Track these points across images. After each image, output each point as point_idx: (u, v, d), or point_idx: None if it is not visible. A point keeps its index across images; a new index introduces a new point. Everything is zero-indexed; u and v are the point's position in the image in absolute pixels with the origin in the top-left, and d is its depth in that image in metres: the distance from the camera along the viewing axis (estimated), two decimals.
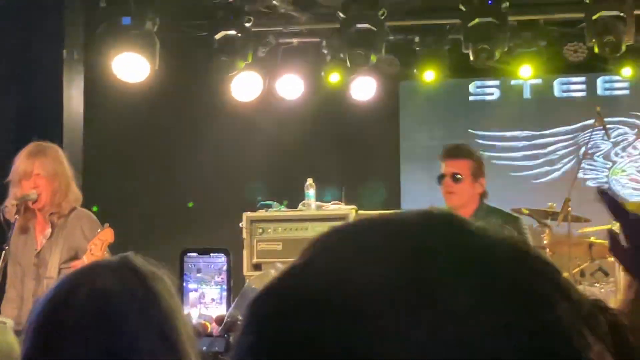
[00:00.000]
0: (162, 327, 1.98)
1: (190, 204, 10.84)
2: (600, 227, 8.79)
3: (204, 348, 4.13)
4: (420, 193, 10.79)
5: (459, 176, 6.75)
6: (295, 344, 0.88)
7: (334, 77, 10.48)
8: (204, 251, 4.99)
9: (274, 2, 8.98)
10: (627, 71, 10.34)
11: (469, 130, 11.38)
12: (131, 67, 9.23)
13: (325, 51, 10.26)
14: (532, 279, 0.90)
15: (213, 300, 4.59)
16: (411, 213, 0.95)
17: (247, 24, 9.45)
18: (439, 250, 0.90)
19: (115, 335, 1.90)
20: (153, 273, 2.03)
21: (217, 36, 9.48)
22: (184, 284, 3.15)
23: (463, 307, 0.86)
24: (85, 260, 5.64)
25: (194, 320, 4.37)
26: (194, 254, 5.25)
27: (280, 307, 0.91)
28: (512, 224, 6.65)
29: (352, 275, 0.89)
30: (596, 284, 8.75)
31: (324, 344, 0.87)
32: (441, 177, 6.79)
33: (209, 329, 4.43)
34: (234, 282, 4.73)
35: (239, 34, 9.45)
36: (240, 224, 8.57)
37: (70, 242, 5.83)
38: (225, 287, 4.59)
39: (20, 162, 5.82)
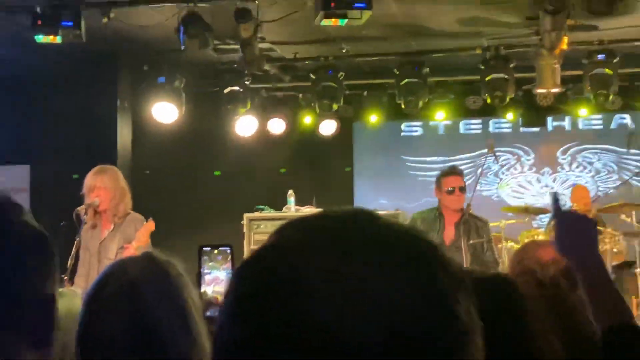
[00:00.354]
0: (177, 302, 1.88)
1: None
2: (493, 223, 8.85)
3: (216, 314, 4.16)
4: (368, 200, 10.87)
5: (464, 187, 6.81)
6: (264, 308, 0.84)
7: (307, 120, 10.54)
8: (215, 246, 5.09)
9: (266, 67, 9.03)
10: (509, 115, 10.44)
11: (402, 156, 11.31)
12: (165, 112, 9.27)
13: (302, 101, 10.31)
14: (423, 260, 0.86)
15: (222, 280, 4.66)
16: (346, 211, 0.92)
17: (247, 82, 9.52)
18: (356, 235, 0.86)
19: (140, 312, 1.82)
20: (168, 263, 1.94)
21: (225, 91, 9.55)
22: (201, 270, 3.20)
23: (371, 277, 0.82)
24: (134, 244, 5.75)
25: (210, 293, 4.40)
26: (208, 248, 5.36)
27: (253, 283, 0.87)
28: (483, 224, 6.82)
29: (296, 256, 0.85)
30: None
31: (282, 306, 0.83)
32: (452, 190, 6.71)
33: (220, 300, 4.46)
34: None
35: (241, 89, 9.52)
36: (242, 222, 8.62)
37: (126, 235, 5.87)
38: (230, 270, 4.66)
39: (88, 179, 5.88)
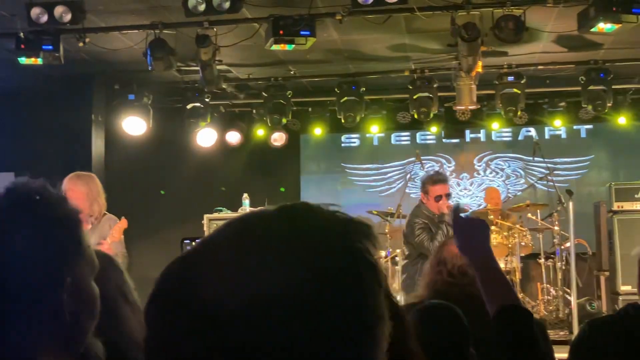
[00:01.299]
0: (122, 287, 1.78)
1: (162, 192, 10.75)
2: None
3: None
4: (313, 201, 10.86)
5: (450, 194, 6.72)
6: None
7: (260, 132, 10.53)
8: (194, 239, 5.14)
9: (223, 86, 9.00)
10: (433, 129, 10.56)
11: (342, 164, 11.32)
12: (134, 125, 9.20)
13: (255, 116, 10.30)
14: (332, 254, 0.79)
15: None
16: (278, 207, 0.85)
17: (207, 99, 9.49)
18: (266, 229, 0.80)
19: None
20: (112, 259, 1.83)
21: (188, 106, 9.48)
22: None
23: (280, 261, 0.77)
24: (108, 240, 5.69)
25: None
26: (188, 241, 5.41)
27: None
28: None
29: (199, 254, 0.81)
30: None
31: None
32: (440, 197, 6.51)
33: None
34: None
35: (202, 105, 9.47)
36: (202, 222, 8.57)
37: (102, 233, 5.80)
38: None
39: (64, 183, 5.80)
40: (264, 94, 9.35)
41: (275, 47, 6.82)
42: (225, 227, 0.84)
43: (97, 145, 9.47)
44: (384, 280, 0.83)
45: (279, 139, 10.49)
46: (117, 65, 8.73)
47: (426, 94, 9.01)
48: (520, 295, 8.31)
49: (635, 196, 7.96)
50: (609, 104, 8.81)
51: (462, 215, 2.24)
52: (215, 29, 7.13)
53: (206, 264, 0.79)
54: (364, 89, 9.27)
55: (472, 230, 2.17)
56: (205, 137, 10.05)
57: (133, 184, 10.36)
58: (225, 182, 10.54)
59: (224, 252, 0.79)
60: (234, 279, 0.76)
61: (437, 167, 11.11)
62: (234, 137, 10.41)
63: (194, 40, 7.11)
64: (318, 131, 10.52)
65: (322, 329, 0.75)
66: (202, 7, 6.36)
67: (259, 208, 0.88)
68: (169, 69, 7.54)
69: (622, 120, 9.98)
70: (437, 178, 6.82)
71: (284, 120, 9.47)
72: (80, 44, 7.11)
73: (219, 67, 7.92)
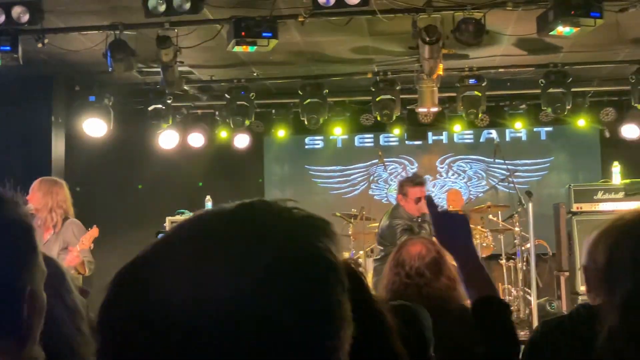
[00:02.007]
0: (59, 290, 1.68)
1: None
2: None
3: None
4: None
5: None
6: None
7: (223, 134, 10.48)
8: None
9: (185, 87, 8.93)
10: (396, 131, 10.61)
11: (305, 166, 11.35)
12: (95, 127, 9.09)
13: (218, 118, 10.25)
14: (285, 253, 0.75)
15: None
16: (236, 205, 0.82)
17: (169, 101, 9.41)
18: (223, 228, 0.77)
19: None
20: (52, 260, 1.72)
21: (150, 108, 9.40)
22: None
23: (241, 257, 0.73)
24: (78, 247, 5.63)
25: None
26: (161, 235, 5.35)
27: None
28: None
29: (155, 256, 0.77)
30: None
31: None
32: (419, 199, 6.48)
33: None
34: None
35: (163, 107, 9.39)
36: (165, 224, 8.50)
37: (65, 238, 5.74)
38: None
39: (31, 190, 5.74)
40: (226, 95, 9.29)
41: (237, 48, 6.78)
42: (181, 227, 0.80)
43: (57, 147, 9.33)
44: (360, 279, 0.79)
45: (242, 141, 10.46)
46: (78, 67, 8.62)
47: (389, 96, 9.04)
48: None
49: (594, 197, 8.07)
50: (568, 107, 8.93)
51: (440, 209, 2.25)
52: (176, 30, 7.06)
53: (161, 267, 0.75)
54: (327, 91, 9.27)
55: (452, 225, 2.17)
56: (167, 139, 9.98)
57: (94, 187, 10.22)
58: (188, 185, 10.47)
59: (180, 254, 0.75)
60: (191, 284, 0.72)
61: (399, 169, 11.17)
62: (196, 139, 10.34)
63: (155, 41, 7.04)
64: (281, 133, 10.50)
65: (285, 333, 0.72)
66: (162, 8, 6.30)
67: (216, 206, 0.83)
68: (130, 70, 7.45)
69: (581, 122, 10.14)
70: (417, 180, 6.80)
71: (247, 122, 9.43)
72: (39, 45, 7.00)
73: (180, 68, 7.86)
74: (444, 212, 2.26)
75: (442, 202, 10.37)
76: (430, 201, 2.21)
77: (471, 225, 8.32)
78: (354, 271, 1.65)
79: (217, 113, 10.15)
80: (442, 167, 11.21)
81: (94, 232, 5.83)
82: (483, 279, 2.16)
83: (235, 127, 9.69)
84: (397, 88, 9.04)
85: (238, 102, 9.25)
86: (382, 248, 6.84)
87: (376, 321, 1.64)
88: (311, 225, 0.80)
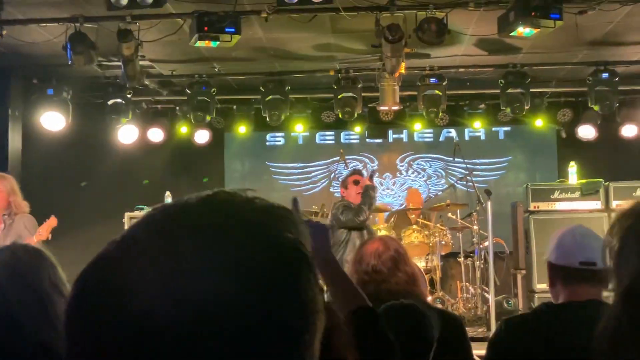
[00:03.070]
0: (54, 281, 1.71)
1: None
2: None
3: None
4: None
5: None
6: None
7: (183, 129, 10.39)
8: None
9: (146, 82, 8.83)
10: (357, 128, 10.64)
11: (266, 163, 11.29)
12: (53, 121, 8.94)
13: (178, 113, 10.15)
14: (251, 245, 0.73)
15: None
16: (198, 197, 0.78)
17: (129, 95, 9.29)
18: (188, 221, 0.74)
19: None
20: (24, 249, 1.79)
21: (109, 102, 9.28)
22: None
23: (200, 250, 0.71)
24: (35, 238, 5.57)
25: None
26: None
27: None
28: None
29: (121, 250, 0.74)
30: None
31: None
32: (357, 182, 6.69)
33: None
34: None
35: (123, 101, 9.28)
36: (123, 220, 8.40)
37: (17, 231, 5.67)
38: None
39: None
40: (187, 90, 9.21)
41: (199, 43, 6.72)
42: (145, 221, 0.76)
43: (14, 141, 9.15)
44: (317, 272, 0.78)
45: (202, 137, 10.38)
46: (36, 59, 8.46)
47: (350, 94, 9.07)
48: (440, 293, 8.46)
49: (551, 197, 8.19)
50: (526, 107, 9.06)
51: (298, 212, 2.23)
52: (137, 24, 6.98)
53: (127, 264, 0.72)
54: (289, 87, 9.25)
55: (315, 233, 2.07)
56: (127, 133, 9.87)
57: (51, 181, 10.06)
58: (148, 180, 10.36)
59: (146, 250, 0.72)
60: (160, 280, 0.69)
61: (360, 167, 11.20)
62: (156, 135, 10.24)
63: (115, 34, 6.95)
64: (242, 129, 10.44)
65: (260, 326, 0.70)
66: (124, 1, 6.21)
67: (179, 199, 0.79)
68: (90, 64, 7.35)
69: (539, 122, 10.29)
70: (351, 171, 7.02)
71: (208, 118, 9.36)
72: None
73: (141, 62, 7.77)
74: (307, 220, 2.27)
75: (402, 200, 10.43)
76: (294, 201, 2.05)
77: (429, 223, 8.39)
78: None
79: (177, 108, 10.05)
80: (402, 165, 11.27)
81: (52, 222, 5.76)
82: (350, 290, 2.19)
83: (195, 123, 9.62)
84: (359, 86, 9.07)
85: (199, 98, 9.18)
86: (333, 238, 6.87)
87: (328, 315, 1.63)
88: (278, 215, 0.78)
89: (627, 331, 1.07)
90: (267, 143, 11.37)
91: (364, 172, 7.26)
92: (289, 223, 0.77)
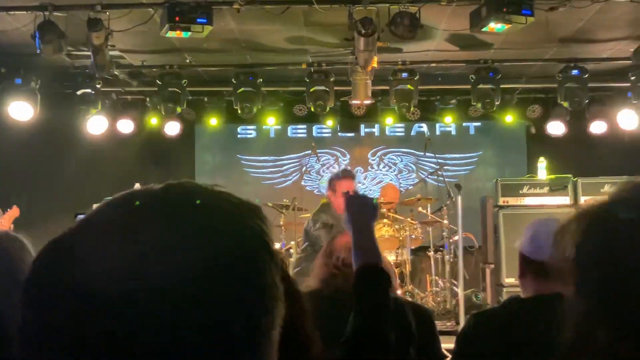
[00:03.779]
0: (11, 266, 1.68)
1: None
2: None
3: None
4: None
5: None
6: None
7: (154, 121, 10.30)
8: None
9: (116, 72, 8.73)
10: (329, 122, 10.64)
11: (237, 156, 11.25)
12: (21, 111, 8.80)
13: (149, 104, 10.06)
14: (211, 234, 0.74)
15: None
16: (161, 187, 0.79)
17: (98, 86, 9.19)
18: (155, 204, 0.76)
19: None
20: (23, 242, 1.77)
21: (78, 92, 9.17)
22: None
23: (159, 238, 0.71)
24: None
25: None
26: (82, 215, 5.20)
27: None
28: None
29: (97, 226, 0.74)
30: None
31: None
32: (348, 193, 6.48)
33: None
34: None
35: (92, 92, 9.17)
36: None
37: None
38: None
39: None
40: (158, 81, 9.13)
41: (170, 34, 6.66)
42: (106, 206, 0.77)
43: None
44: (281, 262, 0.80)
45: (173, 128, 10.30)
46: (4, 48, 8.33)
47: (323, 88, 9.06)
48: (410, 287, 8.49)
49: (520, 192, 8.26)
50: (496, 103, 9.12)
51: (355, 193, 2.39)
52: (108, 13, 6.90)
53: (84, 245, 0.73)
54: (261, 80, 9.21)
55: (362, 204, 2.30)
56: (96, 124, 9.77)
57: (19, 172, 9.91)
58: (117, 172, 10.25)
59: (104, 232, 0.73)
60: (115, 261, 0.70)
61: (332, 160, 11.21)
62: (126, 126, 10.15)
63: (85, 23, 6.85)
64: (214, 121, 10.39)
65: (217, 311, 0.70)
66: None
67: (143, 186, 0.80)
68: (59, 53, 7.24)
69: (509, 118, 10.37)
70: (344, 174, 6.72)
71: (179, 110, 9.29)
72: None
73: (111, 52, 7.67)
74: (358, 193, 2.40)
75: (375, 194, 10.45)
76: (350, 193, 2.35)
77: (400, 217, 8.41)
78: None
79: (147, 99, 9.96)
80: (373, 159, 11.30)
81: (14, 212, 5.67)
82: (372, 248, 2.21)
83: (166, 114, 9.55)
84: (331, 79, 9.06)
85: (170, 89, 9.10)
86: (305, 241, 6.84)
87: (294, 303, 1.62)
88: (243, 205, 0.80)
89: (600, 331, 1.08)
90: (239, 136, 11.33)
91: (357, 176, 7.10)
92: (253, 214, 0.79)
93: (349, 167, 7.22)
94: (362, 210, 2.28)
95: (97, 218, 0.76)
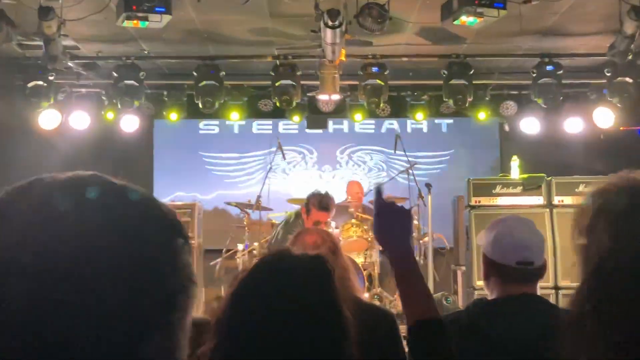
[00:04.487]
0: None
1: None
2: (279, 213, 8.98)
3: None
4: (166, 191, 10.70)
5: (329, 222, 7.09)
6: None
7: (109, 115, 10.19)
8: None
9: (70, 64, 8.63)
10: (296, 118, 10.62)
11: (199, 152, 11.20)
12: None
13: (104, 98, 9.96)
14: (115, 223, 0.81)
15: None
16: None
17: (50, 78, 9.08)
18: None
19: None
20: None
21: (29, 85, 9.05)
22: None
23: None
24: None
25: None
26: None
27: None
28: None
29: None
30: None
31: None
32: (319, 223, 6.72)
33: None
34: None
35: (45, 84, 9.06)
36: None
37: None
38: None
39: None
40: (114, 74, 9.04)
41: (127, 23, 6.60)
42: (21, 185, 0.87)
43: None
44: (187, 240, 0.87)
45: (130, 123, 10.20)
46: None
47: (289, 82, 9.06)
48: (378, 290, 8.53)
49: (493, 192, 8.34)
50: (469, 99, 9.19)
51: (386, 199, 2.05)
52: (60, 1, 6.81)
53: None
54: (224, 73, 9.18)
55: (392, 217, 1.98)
56: (48, 119, 9.64)
57: None
58: (70, 170, 10.11)
59: (16, 208, 0.82)
60: (28, 235, 0.77)
61: (299, 158, 11.20)
62: (79, 120, 10.02)
63: (36, 12, 6.76)
64: (174, 116, 10.32)
65: (131, 287, 0.77)
66: None
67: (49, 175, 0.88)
68: (8, 43, 7.15)
69: (482, 115, 10.45)
70: (324, 205, 6.91)
71: (136, 104, 9.23)
72: None
73: (64, 42, 7.59)
74: (387, 203, 2.02)
75: (341, 193, 10.46)
76: (378, 189, 2.06)
77: (370, 217, 8.44)
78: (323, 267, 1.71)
79: (103, 92, 9.87)
80: (342, 157, 11.33)
81: None
82: (422, 294, 1.95)
83: (122, 109, 9.47)
84: (298, 73, 9.06)
85: (127, 82, 9.03)
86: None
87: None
88: (148, 195, 0.87)
89: (595, 309, 1.10)
90: (200, 132, 11.30)
91: (332, 211, 7.22)
92: (160, 204, 0.87)
93: (332, 196, 7.22)
94: (396, 227, 1.96)
95: (8, 196, 0.85)
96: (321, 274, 1.74)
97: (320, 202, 6.96)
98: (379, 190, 2.06)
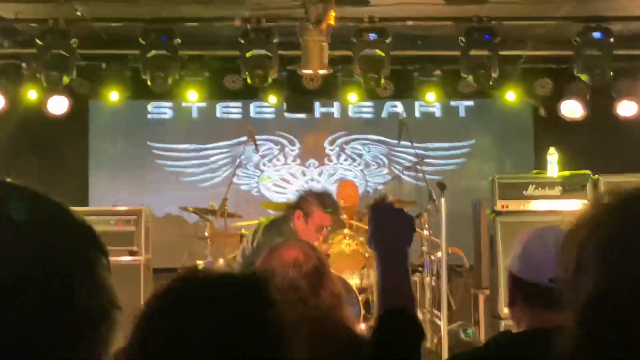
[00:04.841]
0: None
1: None
2: (250, 222, 8.95)
3: None
4: (106, 193, 10.67)
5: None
6: None
7: (32, 95, 10.13)
8: None
9: None
10: (272, 99, 10.58)
11: (148, 142, 11.18)
12: None
13: (25, 72, 9.90)
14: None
15: None
16: None
17: None
18: None
19: None
20: None
21: None
22: None
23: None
24: None
25: None
26: None
27: None
28: None
29: None
30: None
31: None
32: (322, 229, 6.70)
33: None
34: None
35: None
36: None
37: None
38: None
39: None
40: (38, 41, 9.00)
41: None
42: None
43: None
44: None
45: (59, 105, 10.15)
46: None
47: (263, 52, 9.03)
48: None
49: (524, 193, 8.32)
50: (494, 75, 9.17)
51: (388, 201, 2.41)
52: None
53: None
54: (180, 41, 9.14)
55: (394, 222, 2.28)
56: None
57: None
58: None
59: None
60: None
61: (276, 150, 11.17)
62: None
63: None
64: (115, 96, 10.29)
65: (48, 301, 0.91)
66: None
67: None
68: None
69: (511, 96, 10.44)
70: (331, 205, 6.82)
71: (66, 80, 9.18)
72: None
73: None
74: (390, 205, 2.39)
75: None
76: (382, 198, 2.47)
77: (366, 226, 8.42)
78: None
79: (24, 65, 9.81)
80: (331, 150, 11.33)
81: None
82: (403, 291, 2.22)
83: (49, 86, 9.41)
84: (275, 41, 9.04)
85: (54, 51, 8.99)
86: (243, 264, 6.78)
87: None
88: (64, 209, 1.07)
89: (586, 353, 1.16)
90: (149, 116, 11.32)
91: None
92: (72, 212, 1.06)
93: (335, 198, 7.21)
94: (398, 231, 2.28)
95: None
96: (253, 308, 1.60)
97: (323, 200, 6.84)
98: (383, 202, 2.41)
